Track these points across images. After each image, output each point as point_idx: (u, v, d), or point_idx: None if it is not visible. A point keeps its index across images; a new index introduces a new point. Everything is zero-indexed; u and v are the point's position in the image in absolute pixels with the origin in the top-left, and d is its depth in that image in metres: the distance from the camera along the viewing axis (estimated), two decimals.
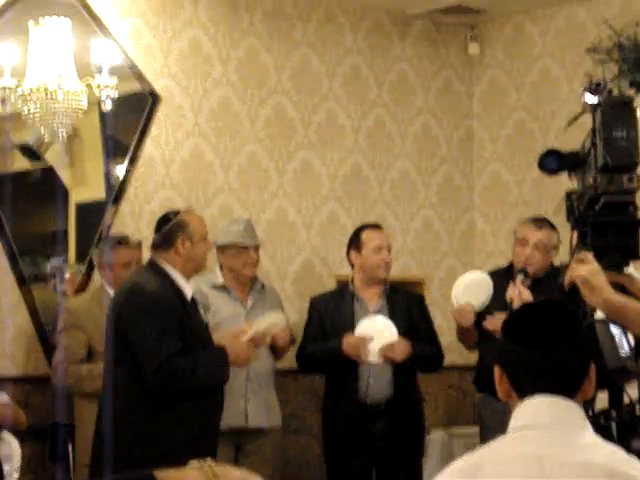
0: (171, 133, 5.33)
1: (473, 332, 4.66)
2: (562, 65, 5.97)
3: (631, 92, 5.63)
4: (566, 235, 3.03)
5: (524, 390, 1.94)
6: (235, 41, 5.55)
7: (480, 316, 4.52)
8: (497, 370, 1.99)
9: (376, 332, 4.63)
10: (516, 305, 4.12)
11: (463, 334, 4.75)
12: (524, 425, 1.92)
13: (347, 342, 4.60)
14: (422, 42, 6.22)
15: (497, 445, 1.95)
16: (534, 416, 1.91)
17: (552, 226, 4.59)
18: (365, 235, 4.81)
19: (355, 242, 4.83)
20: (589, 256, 2.78)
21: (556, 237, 4.56)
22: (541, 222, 4.61)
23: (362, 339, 4.61)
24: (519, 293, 4.20)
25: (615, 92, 5.38)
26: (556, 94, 5.99)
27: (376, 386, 4.65)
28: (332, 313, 4.76)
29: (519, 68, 6.21)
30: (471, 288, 4.56)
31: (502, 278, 4.55)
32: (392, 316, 4.73)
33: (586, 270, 2.73)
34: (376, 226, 4.97)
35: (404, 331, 4.70)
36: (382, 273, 4.79)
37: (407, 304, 4.84)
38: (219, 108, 5.48)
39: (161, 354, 3.73)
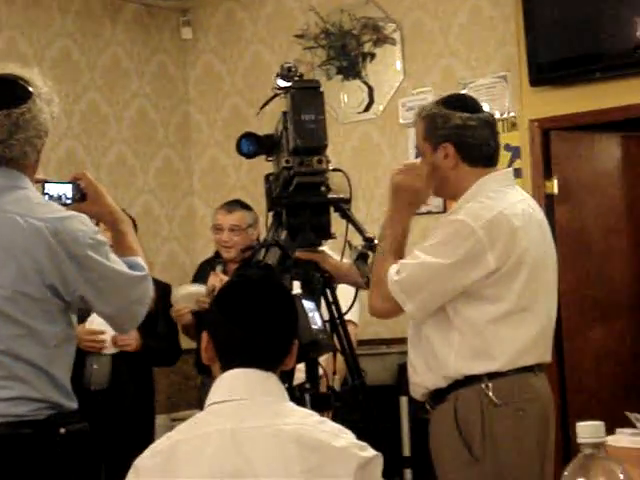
0: None
1: (193, 328, 4.73)
2: (273, 51, 6.10)
3: (338, 77, 5.86)
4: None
5: (227, 362, 1.99)
6: None
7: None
8: (205, 335, 2.03)
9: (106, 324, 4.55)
10: None
11: (185, 329, 4.79)
12: (220, 399, 1.96)
13: (79, 336, 4.47)
14: (134, 26, 6.16)
15: (194, 421, 1.99)
16: (230, 389, 1.96)
17: (245, 207, 4.72)
18: None
19: None
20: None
21: (251, 216, 4.68)
22: (232, 205, 4.73)
23: (92, 331, 4.51)
24: (220, 280, 4.26)
25: (323, 78, 5.60)
26: (268, 79, 6.08)
27: (100, 372, 4.58)
28: None
29: (232, 53, 6.28)
30: (191, 297, 4.58)
31: (210, 266, 4.63)
32: None
33: (419, 179, 2.82)
34: None
35: (146, 320, 4.64)
36: None
37: None
38: None
39: None
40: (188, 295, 4.56)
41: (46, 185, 2.60)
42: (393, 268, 2.72)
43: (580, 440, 1.38)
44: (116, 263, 2.48)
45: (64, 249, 2.37)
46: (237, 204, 4.74)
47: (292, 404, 2.00)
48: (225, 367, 1.99)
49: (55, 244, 2.36)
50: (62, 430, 2.46)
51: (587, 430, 1.39)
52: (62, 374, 2.48)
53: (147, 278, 2.58)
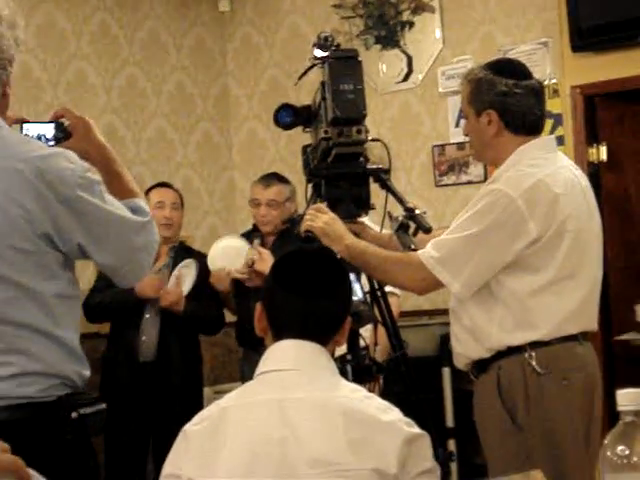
0: None
1: (230, 296, 4.72)
2: (310, 21, 6.06)
3: (377, 47, 5.81)
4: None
5: (280, 333, 1.98)
6: None
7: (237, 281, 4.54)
8: (259, 306, 2.03)
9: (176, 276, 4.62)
10: (259, 266, 4.17)
11: (224, 298, 4.78)
12: (269, 369, 1.96)
13: (141, 283, 4.48)
14: (171, 0, 6.15)
15: (243, 389, 2.01)
16: (280, 360, 1.96)
17: (282, 180, 4.68)
18: (151, 194, 4.81)
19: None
20: (322, 206, 2.85)
21: (288, 190, 4.65)
22: (269, 179, 4.68)
23: (156, 278, 4.57)
24: (258, 253, 4.25)
25: (361, 48, 5.56)
26: (306, 50, 6.04)
27: (148, 344, 4.62)
28: None
29: (269, 25, 6.25)
30: (227, 253, 4.56)
31: (249, 238, 4.62)
32: None
33: (323, 220, 2.81)
34: (163, 184, 4.95)
35: (188, 289, 4.67)
36: (162, 230, 4.79)
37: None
38: None
39: None
40: (229, 249, 4.52)
41: (24, 126, 2.33)
42: (427, 248, 2.69)
43: (620, 408, 1.37)
44: (114, 205, 2.18)
45: (52, 191, 2.08)
46: (274, 178, 4.69)
47: (341, 378, 2.00)
48: (277, 338, 1.99)
49: (41, 186, 2.07)
50: (74, 414, 2.15)
51: (627, 397, 1.37)
52: (70, 335, 2.17)
53: (151, 223, 2.27)
